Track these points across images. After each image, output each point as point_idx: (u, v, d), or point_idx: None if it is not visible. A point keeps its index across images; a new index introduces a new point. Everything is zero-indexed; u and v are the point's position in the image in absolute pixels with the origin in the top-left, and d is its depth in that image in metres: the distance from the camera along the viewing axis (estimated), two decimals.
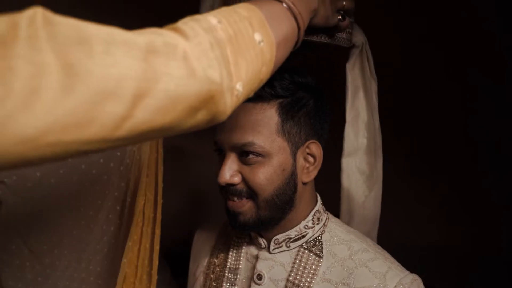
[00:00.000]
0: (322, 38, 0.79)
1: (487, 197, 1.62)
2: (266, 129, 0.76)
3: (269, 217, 0.79)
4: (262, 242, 0.84)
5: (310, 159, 0.81)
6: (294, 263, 0.81)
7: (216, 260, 0.91)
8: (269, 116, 0.76)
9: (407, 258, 0.99)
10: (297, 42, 0.64)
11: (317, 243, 0.82)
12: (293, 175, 0.79)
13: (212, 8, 0.89)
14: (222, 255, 0.90)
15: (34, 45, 0.38)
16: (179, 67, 0.45)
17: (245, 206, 0.78)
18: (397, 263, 0.81)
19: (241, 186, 0.78)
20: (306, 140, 0.79)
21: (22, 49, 0.38)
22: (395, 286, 0.75)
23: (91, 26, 0.42)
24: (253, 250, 0.86)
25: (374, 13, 1.58)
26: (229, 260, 0.88)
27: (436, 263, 1.62)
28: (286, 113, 0.77)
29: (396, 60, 1.61)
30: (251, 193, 0.77)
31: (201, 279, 0.93)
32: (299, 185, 0.80)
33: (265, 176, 0.76)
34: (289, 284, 0.80)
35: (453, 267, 1.62)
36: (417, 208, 1.64)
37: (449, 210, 1.66)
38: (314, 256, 0.81)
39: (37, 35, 0.39)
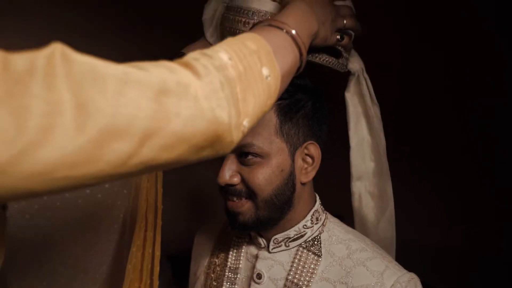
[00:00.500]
0: (317, 58, 0.79)
1: (486, 197, 1.63)
2: (265, 131, 0.77)
3: (268, 217, 0.80)
4: (262, 241, 0.85)
5: (309, 159, 0.81)
6: (293, 262, 0.82)
7: (216, 260, 0.92)
8: (268, 117, 0.77)
9: (407, 258, 0.99)
10: (298, 69, 0.65)
11: (315, 242, 0.83)
12: (291, 175, 0.80)
13: (215, 12, 0.90)
14: (223, 254, 0.91)
15: (51, 83, 0.39)
16: (189, 107, 0.46)
17: (244, 206, 0.79)
18: (394, 262, 0.81)
19: (240, 187, 0.78)
20: (305, 141, 0.80)
21: (38, 87, 0.39)
22: (393, 285, 0.76)
23: (107, 65, 0.43)
24: (253, 249, 0.87)
25: (374, 13, 1.59)
26: (229, 259, 0.89)
27: (437, 263, 1.63)
28: (285, 115, 0.78)
29: (396, 60, 1.62)
30: (250, 193, 0.78)
31: (202, 278, 0.94)
32: (298, 186, 0.81)
33: (264, 177, 0.77)
34: (288, 283, 0.81)
35: (453, 267, 1.63)
36: (417, 209, 1.64)
37: (449, 211, 1.66)
38: (312, 256, 0.81)
39: (54, 73, 0.40)
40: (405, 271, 0.79)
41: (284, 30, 0.60)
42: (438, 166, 1.66)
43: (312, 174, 0.82)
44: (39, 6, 1.33)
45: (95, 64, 0.42)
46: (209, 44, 0.90)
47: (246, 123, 0.52)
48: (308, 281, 0.80)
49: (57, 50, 0.41)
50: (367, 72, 1.50)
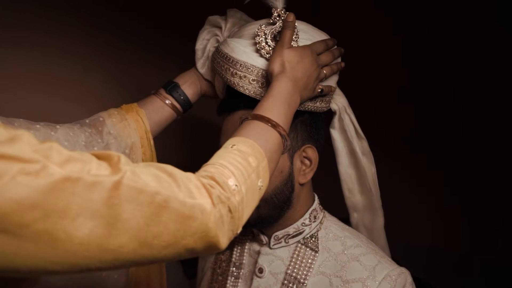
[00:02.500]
0: (299, 106, 0.83)
1: (484, 198, 1.65)
2: None
3: (268, 215, 0.86)
4: (263, 238, 0.91)
5: (307, 162, 0.87)
6: (292, 257, 0.88)
7: (222, 256, 0.98)
8: None
9: (406, 259, 1.04)
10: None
11: (313, 239, 0.89)
12: (290, 176, 0.86)
13: (207, 42, 0.95)
14: (228, 251, 0.97)
15: (111, 203, 0.51)
16: (202, 230, 0.57)
17: None
18: (387, 258, 0.87)
19: None
20: (303, 144, 0.86)
21: (101, 204, 0.50)
22: (384, 278, 0.81)
23: (157, 190, 0.54)
24: (255, 246, 0.93)
25: (374, 13, 1.63)
26: (234, 255, 0.95)
27: (435, 263, 1.65)
28: None
29: (394, 59, 1.65)
30: None
31: (208, 274, 1.00)
32: (296, 186, 0.87)
33: None
34: (287, 277, 0.87)
35: (453, 269, 1.65)
36: (416, 210, 1.67)
37: (448, 212, 1.68)
38: (310, 251, 0.87)
39: (117, 196, 0.52)
40: (396, 265, 0.85)
41: (276, 131, 0.71)
42: (437, 167, 1.68)
43: (310, 175, 0.88)
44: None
45: (149, 191, 0.54)
46: (199, 74, 0.96)
47: (239, 230, 0.64)
48: (306, 275, 0.86)
49: (125, 178, 0.53)
50: (369, 71, 1.52)
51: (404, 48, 1.65)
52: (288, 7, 0.85)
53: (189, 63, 1.00)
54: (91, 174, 0.51)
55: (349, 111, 0.93)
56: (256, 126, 0.71)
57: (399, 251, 1.19)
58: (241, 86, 0.84)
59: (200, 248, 0.58)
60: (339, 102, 0.92)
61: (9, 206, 0.46)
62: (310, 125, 0.87)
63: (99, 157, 0.55)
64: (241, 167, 0.63)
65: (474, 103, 1.64)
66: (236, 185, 0.62)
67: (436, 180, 1.67)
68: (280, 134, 0.72)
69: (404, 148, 1.67)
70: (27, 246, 0.48)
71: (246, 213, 0.64)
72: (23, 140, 0.49)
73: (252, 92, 0.83)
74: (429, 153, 1.67)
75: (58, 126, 0.85)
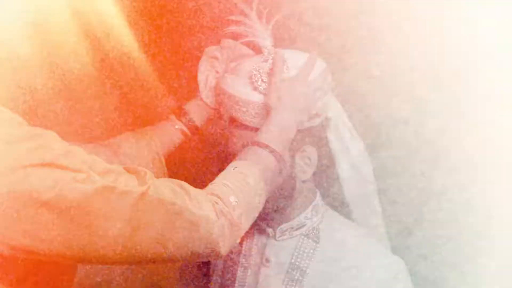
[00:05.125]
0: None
1: None
2: None
3: (273, 210, 0.94)
4: (270, 231, 0.99)
5: (307, 160, 0.95)
6: (295, 248, 0.96)
7: (233, 249, 1.06)
8: None
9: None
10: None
11: (315, 231, 0.97)
12: (292, 174, 0.93)
13: (208, 74, 1.03)
14: (238, 244, 1.05)
15: (136, 210, 0.63)
16: (207, 238, 0.68)
17: None
18: (383, 248, 0.96)
19: None
20: (303, 145, 0.94)
21: (128, 210, 0.62)
22: (378, 264, 0.89)
23: (174, 201, 0.66)
24: (263, 238, 1.01)
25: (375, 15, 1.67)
26: (243, 247, 1.04)
27: None
28: None
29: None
30: None
31: (220, 265, 1.08)
32: (298, 182, 0.95)
33: None
34: (291, 266, 0.95)
35: None
36: None
37: None
38: (312, 242, 0.96)
39: (142, 204, 0.64)
40: (391, 254, 0.93)
41: (273, 156, 0.82)
42: None
43: (310, 173, 0.95)
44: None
45: (167, 202, 0.66)
46: (204, 103, 1.04)
47: (238, 241, 0.75)
48: (308, 264, 0.94)
49: (150, 190, 0.65)
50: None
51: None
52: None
53: (194, 66, 1.07)
54: (123, 184, 0.63)
55: (343, 115, 1.00)
56: (255, 151, 0.81)
57: None
58: (246, 120, 0.92)
59: (203, 253, 0.69)
60: (334, 109, 0.99)
61: (64, 203, 0.60)
62: (309, 128, 0.95)
63: (129, 171, 0.67)
64: (241, 186, 0.74)
65: None
66: (236, 201, 0.72)
67: None
68: (276, 158, 0.82)
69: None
70: (72, 236, 0.61)
71: (244, 226, 0.75)
72: (75, 153, 0.62)
73: (256, 123, 0.91)
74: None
75: (82, 146, 0.95)
